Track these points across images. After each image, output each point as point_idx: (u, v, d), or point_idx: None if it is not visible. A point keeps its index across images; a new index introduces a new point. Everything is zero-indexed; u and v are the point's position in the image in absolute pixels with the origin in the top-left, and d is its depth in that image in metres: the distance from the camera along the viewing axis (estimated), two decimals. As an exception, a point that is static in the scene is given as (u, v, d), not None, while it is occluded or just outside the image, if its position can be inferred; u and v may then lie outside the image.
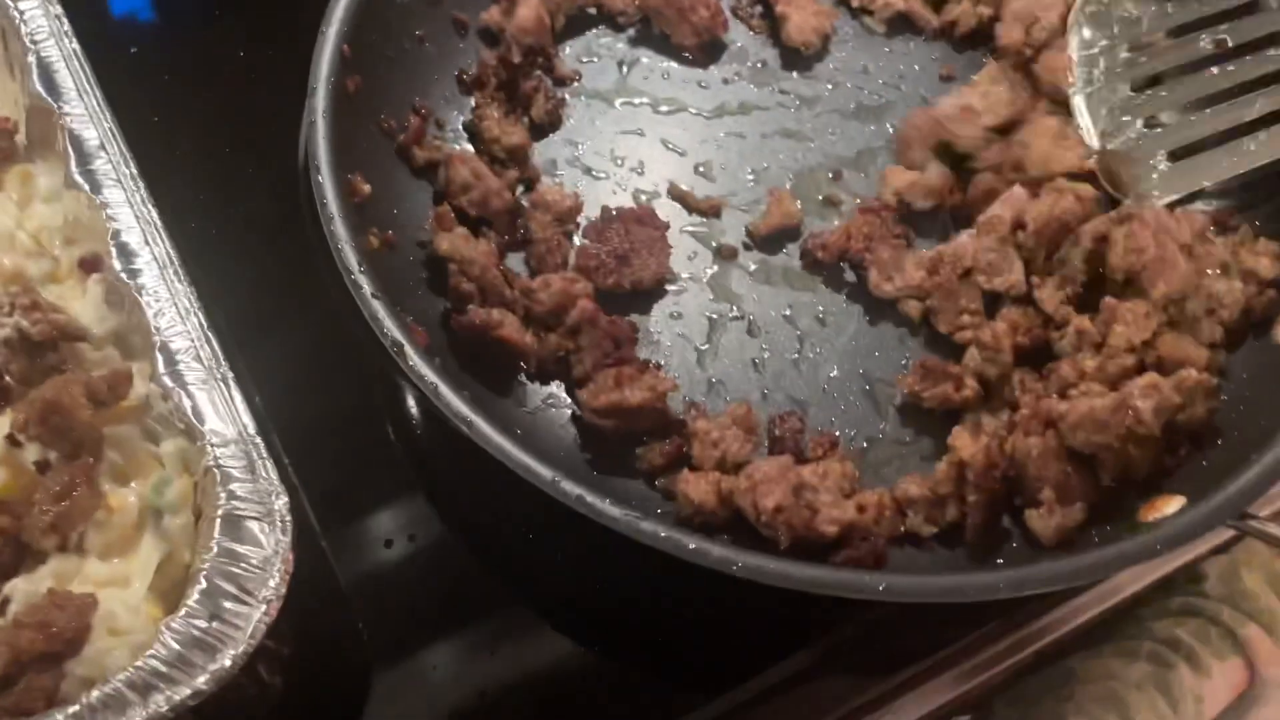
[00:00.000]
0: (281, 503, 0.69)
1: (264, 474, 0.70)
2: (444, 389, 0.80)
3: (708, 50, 1.09)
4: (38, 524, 0.70)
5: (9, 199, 0.83)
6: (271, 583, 0.67)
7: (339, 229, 0.86)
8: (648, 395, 0.86)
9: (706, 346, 0.95)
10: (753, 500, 0.82)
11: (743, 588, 0.76)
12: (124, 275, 0.76)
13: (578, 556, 0.90)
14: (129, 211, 0.79)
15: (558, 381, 0.92)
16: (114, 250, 0.77)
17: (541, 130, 1.04)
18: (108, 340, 0.78)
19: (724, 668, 0.88)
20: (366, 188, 0.91)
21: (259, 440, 0.71)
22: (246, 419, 0.72)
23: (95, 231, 0.80)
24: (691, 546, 0.75)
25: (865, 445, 0.91)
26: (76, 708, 0.63)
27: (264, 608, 0.66)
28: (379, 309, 0.82)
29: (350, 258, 0.85)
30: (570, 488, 0.77)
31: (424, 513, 0.93)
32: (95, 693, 0.63)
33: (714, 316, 0.96)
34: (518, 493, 0.78)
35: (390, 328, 0.82)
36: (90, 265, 0.81)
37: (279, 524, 0.69)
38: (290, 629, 0.68)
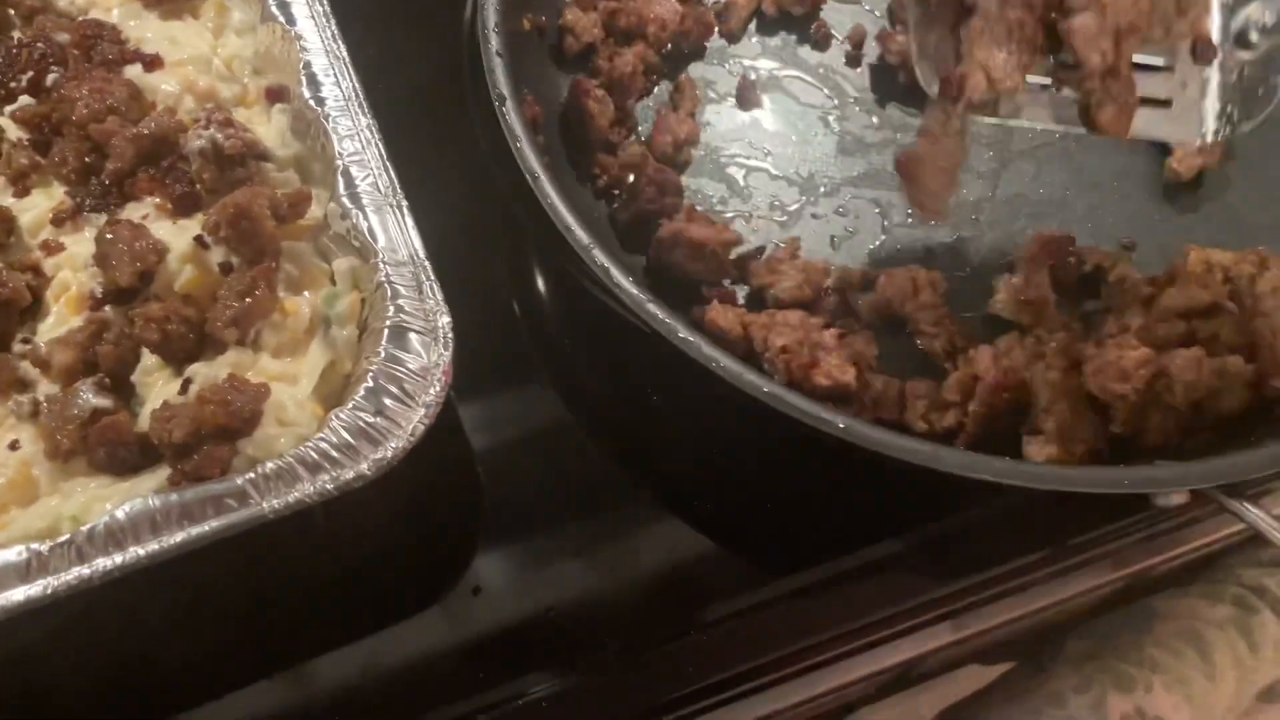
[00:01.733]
0: (445, 321, 0.75)
1: (430, 294, 0.76)
2: (526, 145, 0.84)
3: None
4: (220, 316, 0.75)
5: (205, 26, 0.89)
6: (432, 390, 0.73)
7: None
8: (710, 233, 0.91)
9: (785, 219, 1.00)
10: (765, 335, 0.87)
11: (830, 472, 0.82)
12: (312, 103, 0.82)
13: (682, 433, 0.95)
14: (320, 45, 0.84)
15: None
16: (304, 80, 0.83)
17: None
18: (289, 164, 0.83)
19: (808, 548, 0.91)
20: None
21: (428, 264, 0.76)
22: (418, 243, 0.77)
23: (283, 64, 0.86)
24: (724, 363, 0.78)
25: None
26: (252, 475, 0.69)
27: (424, 411, 0.72)
28: (498, 65, 0.87)
29: (490, 16, 0.89)
30: (625, 284, 0.81)
31: (545, 395, 0.98)
32: (270, 464, 0.70)
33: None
34: (632, 373, 0.83)
35: (502, 82, 0.87)
36: (275, 95, 0.86)
37: (441, 340, 0.74)
38: (418, 463, 0.73)
